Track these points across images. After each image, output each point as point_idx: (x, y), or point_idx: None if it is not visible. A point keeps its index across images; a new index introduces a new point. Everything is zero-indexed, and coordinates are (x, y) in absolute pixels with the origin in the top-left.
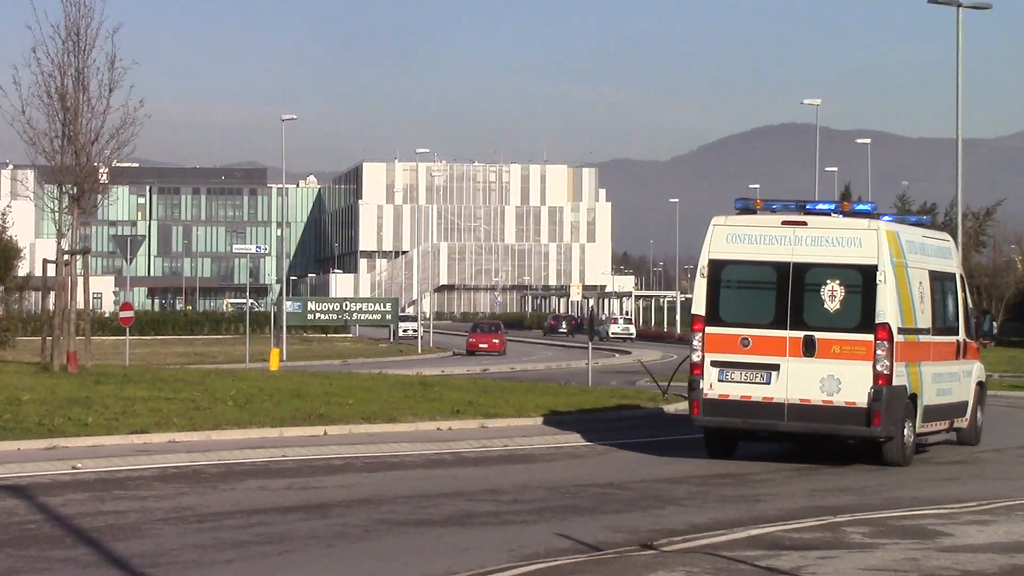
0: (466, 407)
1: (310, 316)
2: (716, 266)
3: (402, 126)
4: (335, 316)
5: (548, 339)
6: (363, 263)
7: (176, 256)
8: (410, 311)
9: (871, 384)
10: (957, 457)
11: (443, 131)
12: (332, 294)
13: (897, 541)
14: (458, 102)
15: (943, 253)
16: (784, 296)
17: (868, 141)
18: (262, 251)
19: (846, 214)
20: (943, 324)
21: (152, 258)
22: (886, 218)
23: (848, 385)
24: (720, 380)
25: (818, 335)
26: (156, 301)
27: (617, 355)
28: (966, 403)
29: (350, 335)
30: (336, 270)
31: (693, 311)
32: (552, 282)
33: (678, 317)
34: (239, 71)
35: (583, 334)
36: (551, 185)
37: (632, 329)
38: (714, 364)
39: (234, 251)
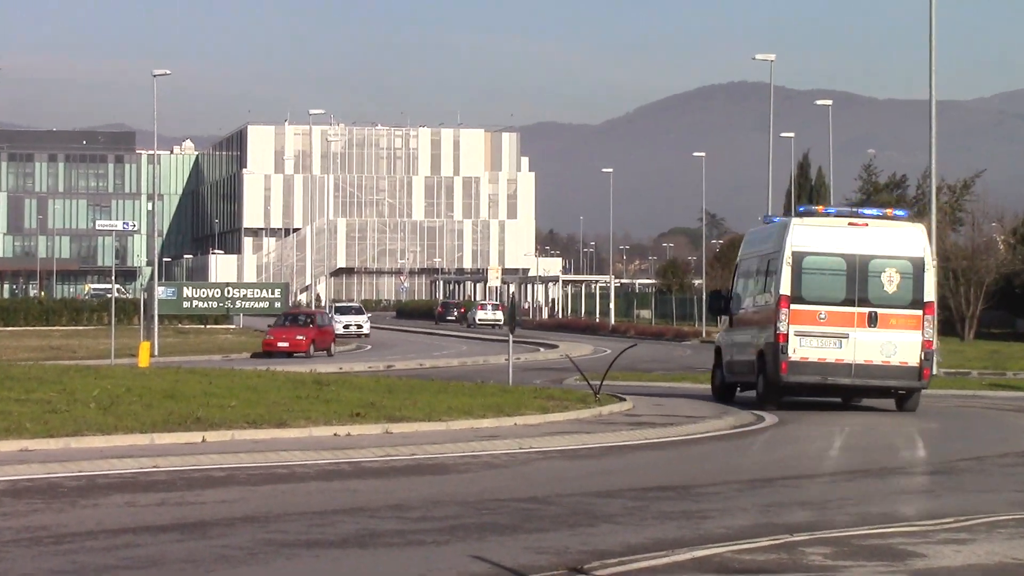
0: (368, 409)
1: (186, 304)
2: (798, 257)
3: (293, 84)
4: (216, 304)
5: (441, 328)
6: (248, 243)
7: (29, 234)
8: (302, 299)
9: (920, 348)
10: (931, 467)
11: (341, 90)
12: (212, 278)
13: (862, 563)
14: (359, 57)
15: None
16: (852, 280)
17: (829, 103)
18: (130, 228)
19: (890, 218)
20: None
21: (1, 236)
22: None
23: (902, 349)
24: (801, 346)
25: (879, 311)
26: (6, 286)
27: (542, 349)
28: None
29: (233, 326)
30: (217, 251)
31: (780, 292)
32: (467, 264)
33: (612, 305)
34: (105, 20)
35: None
36: (466, 152)
37: (501, 316)
38: (797, 334)
39: (97, 228)
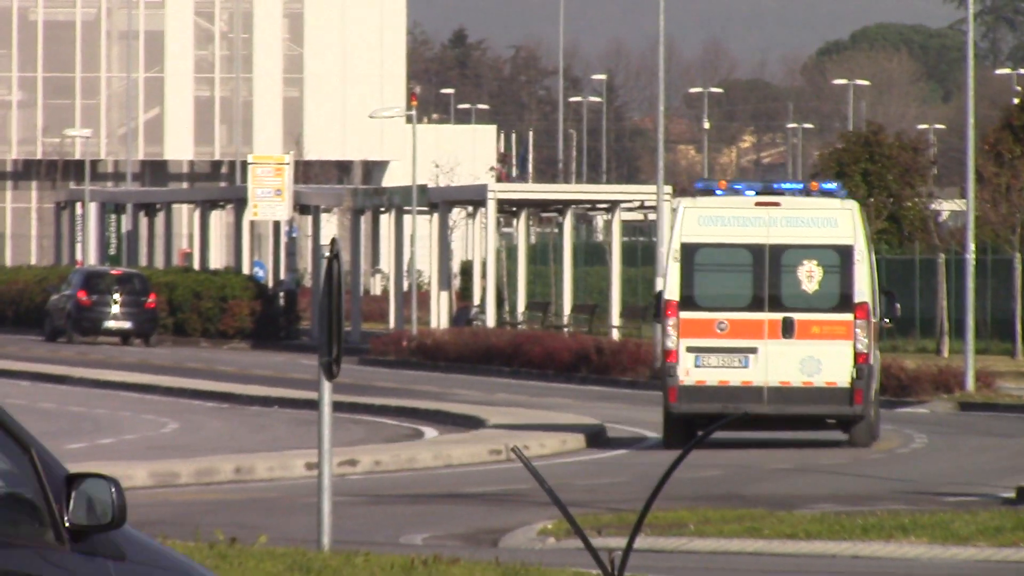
0: None
1: None
2: (689, 250)
3: None
4: None
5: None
6: None
7: None
8: None
9: (851, 363)
10: None
11: None
12: None
13: None
14: None
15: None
16: (760, 278)
17: None
18: None
19: (814, 194)
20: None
21: None
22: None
23: (829, 366)
24: (696, 366)
25: (796, 316)
26: None
27: (432, 430)
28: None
29: None
30: None
31: (666, 296)
32: (179, 151)
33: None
34: None
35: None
36: None
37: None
38: (690, 350)
39: None
